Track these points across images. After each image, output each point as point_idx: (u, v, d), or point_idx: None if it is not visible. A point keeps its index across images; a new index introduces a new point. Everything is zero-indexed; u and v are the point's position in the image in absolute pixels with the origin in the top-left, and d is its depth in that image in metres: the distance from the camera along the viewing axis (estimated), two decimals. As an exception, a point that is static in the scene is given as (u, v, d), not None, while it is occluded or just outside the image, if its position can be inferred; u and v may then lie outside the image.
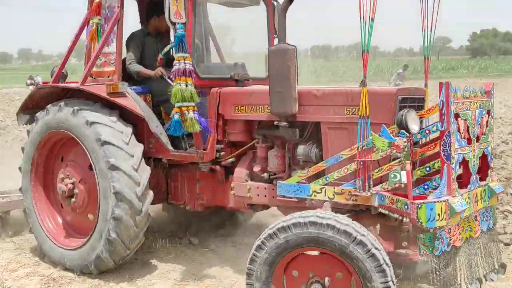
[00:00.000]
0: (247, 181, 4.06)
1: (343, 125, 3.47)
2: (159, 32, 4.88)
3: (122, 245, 4.02)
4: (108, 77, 4.39)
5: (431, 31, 3.47)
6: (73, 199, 4.39)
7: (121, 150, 4.00)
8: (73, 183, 4.39)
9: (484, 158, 3.25)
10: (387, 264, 2.79)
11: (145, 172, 4.11)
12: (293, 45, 3.52)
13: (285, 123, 3.65)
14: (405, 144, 2.84)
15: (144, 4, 5.00)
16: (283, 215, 4.33)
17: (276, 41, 4.64)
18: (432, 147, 3.03)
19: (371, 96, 3.18)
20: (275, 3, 4.76)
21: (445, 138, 2.82)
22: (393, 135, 2.95)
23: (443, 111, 2.82)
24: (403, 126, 2.86)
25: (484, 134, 3.23)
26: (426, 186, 3.05)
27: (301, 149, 3.70)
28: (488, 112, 3.27)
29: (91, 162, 4.10)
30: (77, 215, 4.51)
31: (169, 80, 4.34)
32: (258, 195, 3.97)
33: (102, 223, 4.03)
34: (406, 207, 2.83)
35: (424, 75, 3.72)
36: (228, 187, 4.24)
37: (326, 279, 2.96)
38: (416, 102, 3.42)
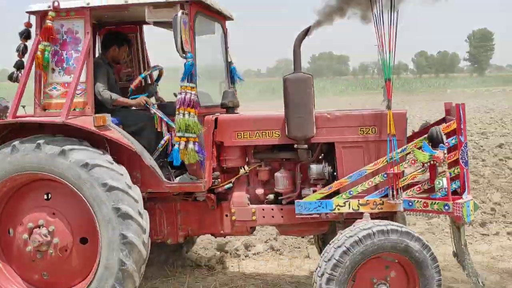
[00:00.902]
0: (248, 204, 4.10)
1: (358, 144, 3.88)
2: (116, 62, 4.61)
3: (136, 273, 3.69)
4: (75, 109, 3.95)
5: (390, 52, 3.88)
6: (50, 250, 3.77)
7: (110, 170, 3.72)
8: (51, 232, 3.79)
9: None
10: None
11: (137, 188, 3.86)
12: (310, 74, 3.81)
13: (305, 145, 3.87)
14: (445, 155, 3.40)
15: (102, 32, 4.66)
16: (278, 233, 4.55)
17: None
18: (452, 156, 3.64)
19: (385, 117, 3.68)
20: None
21: (463, 148, 3.49)
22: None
23: (461, 126, 3.48)
24: (439, 140, 3.43)
25: None
26: None
27: (314, 168, 3.95)
28: None
29: (78, 192, 3.67)
30: (53, 267, 3.86)
31: (153, 109, 4.16)
32: (264, 217, 4.06)
33: (109, 255, 3.64)
34: (446, 207, 3.40)
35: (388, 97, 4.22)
36: (220, 214, 4.22)
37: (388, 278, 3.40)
38: None
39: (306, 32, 3.86)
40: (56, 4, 3.88)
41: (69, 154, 3.67)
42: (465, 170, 3.50)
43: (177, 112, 3.77)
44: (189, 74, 3.74)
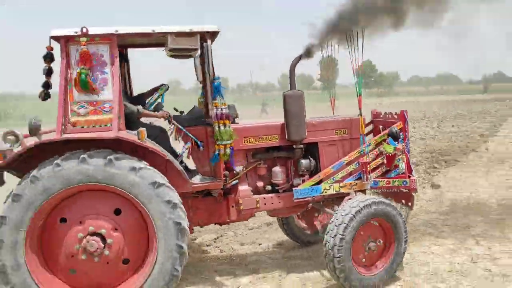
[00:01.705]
0: (252, 195, 5.07)
1: (334, 143, 5.22)
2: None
3: (187, 253, 4.28)
4: (106, 125, 4.33)
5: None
6: (106, 252, 4.18)
7: (152, 171, 4.22)
8: (103, 236, 4.20)
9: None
10: None
11: None
12: (301, 90, 5.00)
13: (301, 145, 5.06)
14: (403, 146, 4.90)
15: None
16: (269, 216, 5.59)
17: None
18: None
19: (356, 122, 5.10)
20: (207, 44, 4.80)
21: (407, 141, 5.06)
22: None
23: (406, 126, 5.05)
24: (398, 136, 4.92)
25: None
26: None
27: (304, 163, 5.15)
28: None
29: (130, 194, 4.12)
30: (105, 269, 4.24)
31: (174, 122, 4.86)
32: (265, 204, 5.09)
33: (168, 242, 4.19)
34: (405, 183, 4.92)
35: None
36: (226, 205, 5.06)
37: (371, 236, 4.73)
38: None
39: (299, 58, 5.06)
40: (85, 30, 4.26)
41: (116, 163, 4.10)
42: (408, 156, 5.09)
43: (214, 125, 4.54)
44: (219, 93, 4.53)
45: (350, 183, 5.07)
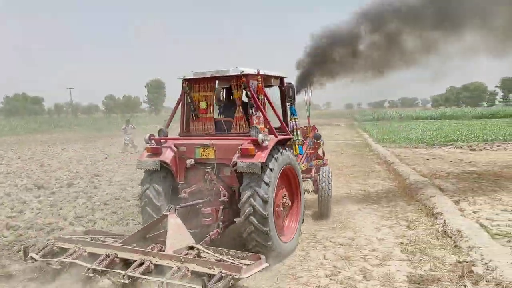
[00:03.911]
0: None
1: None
2: None
3: None
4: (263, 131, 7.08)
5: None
6: (288, 203, 7.17)
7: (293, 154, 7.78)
8: (287, 196, 7.20)
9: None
10: None
11: None
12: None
13: None
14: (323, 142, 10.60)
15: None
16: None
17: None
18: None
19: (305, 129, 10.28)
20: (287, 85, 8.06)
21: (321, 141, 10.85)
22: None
23: (316, 132, 10.77)
24: (320, 137, 10.57)
25: None
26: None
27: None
28: None
29: (295, 169, 7.23)
30: (281, 221, 7.07)
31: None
32: None
33: (301, 202, 7.55)
34: (323, 161, 10.48)
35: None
36: None
37: None
38: None
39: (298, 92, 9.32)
40: (259, 71, 6.95)
41: (290, 152, 7.08)
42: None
43: (295, 131, 8.26)
44: (294, 113, 8.30)
45: (305, 164, 9.65)
